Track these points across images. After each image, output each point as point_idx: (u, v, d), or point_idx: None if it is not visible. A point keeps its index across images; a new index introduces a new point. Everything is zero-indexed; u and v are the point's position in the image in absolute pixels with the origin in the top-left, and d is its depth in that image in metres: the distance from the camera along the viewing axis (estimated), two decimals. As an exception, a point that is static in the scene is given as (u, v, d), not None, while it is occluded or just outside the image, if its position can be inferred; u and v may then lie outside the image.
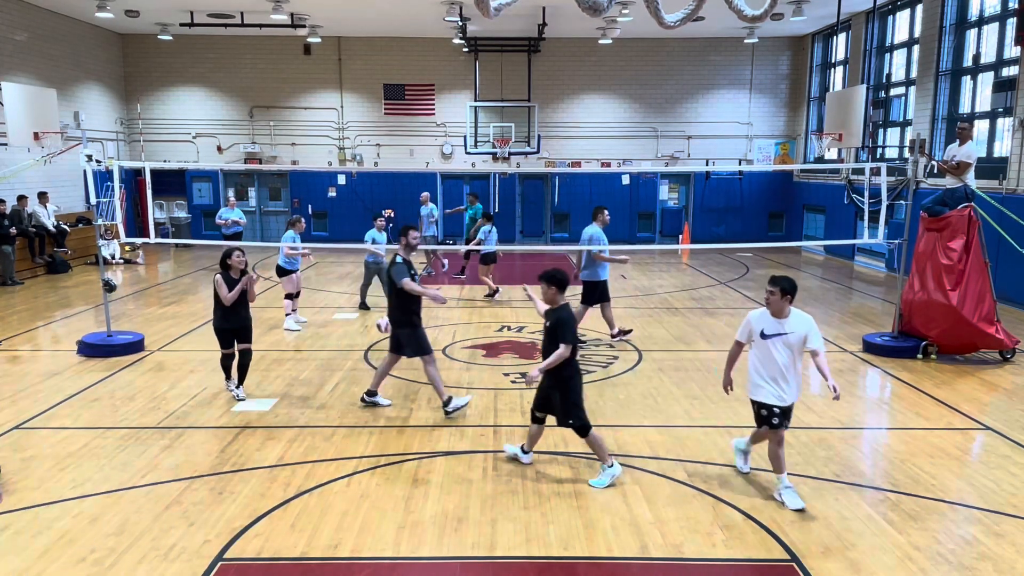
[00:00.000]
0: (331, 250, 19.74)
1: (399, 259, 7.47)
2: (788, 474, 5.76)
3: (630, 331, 10.84)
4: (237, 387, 8.03)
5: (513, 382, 8.74)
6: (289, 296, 11.63)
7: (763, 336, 5.62)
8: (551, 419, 6.18)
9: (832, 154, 19.13)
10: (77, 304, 13.34)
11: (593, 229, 10.21)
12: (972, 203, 9.65)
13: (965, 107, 15.75)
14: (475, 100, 22.42)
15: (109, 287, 10.12)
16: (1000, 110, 14.22)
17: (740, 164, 22.87)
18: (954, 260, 9.59)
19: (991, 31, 15.00)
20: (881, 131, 18.67)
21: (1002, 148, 14.44)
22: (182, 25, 19.74)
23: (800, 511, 5.52)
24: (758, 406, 5.72)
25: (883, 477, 6.28)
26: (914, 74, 17.17)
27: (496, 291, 13.86)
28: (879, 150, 18.59)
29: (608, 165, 22.69)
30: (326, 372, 9.15)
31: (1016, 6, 13.48)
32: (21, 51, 17.49)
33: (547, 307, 6.15)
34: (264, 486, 5.94)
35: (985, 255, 9.65)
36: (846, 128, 11.20)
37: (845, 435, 7.18)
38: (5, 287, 14.86)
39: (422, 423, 7.40)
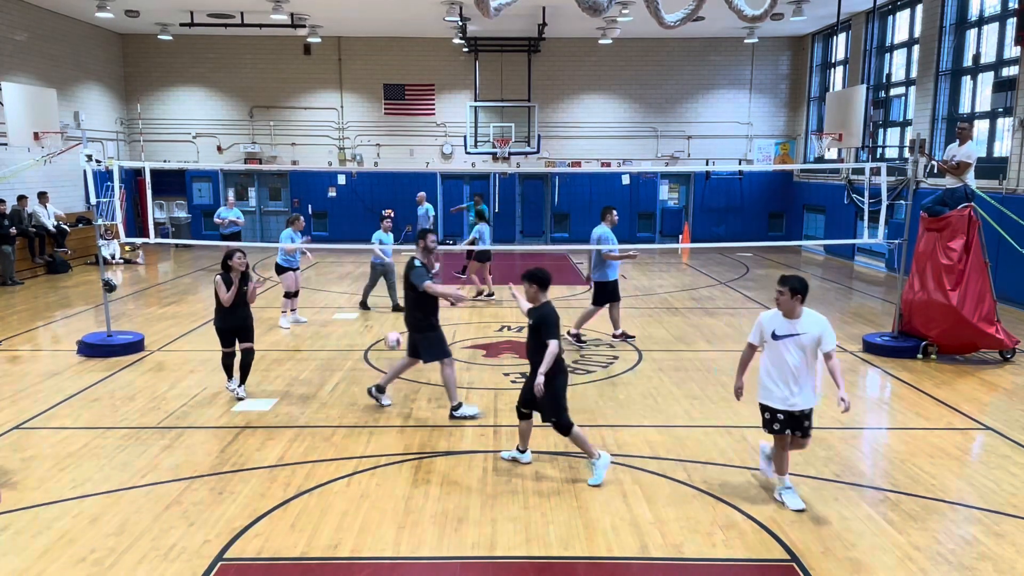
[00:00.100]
0: (331, 250, 19.75)
1: (417, 263, 7.38)
2: (788, 474, 5.75)
3: (633, 336, 10.83)
4: (239, 386, 8.04)
5: (513, 382, 8.73)
6: (288, 295, 11.64)
7: (775, 337, 5.51)
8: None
9: (832, 154, 19.13)
10: (77, 304, 13.35)
11: (602, 229, 10.20)
12: (972, 203, 9.64)
13: (965, 107, 15.75)
14: (475, 100, 22.41)
15: (109, 287, 10.13)
16: (1000, 110, 14.22)
17: (740, 164, 22.87)
18: (954, 260, 9.59)
19: (991, 31, 15.00)
20: (881, 131, 18.67)
21: (1002, 148, 14.44)
22: (182, 25, 19.74)
23: (800, 512, 5.52)
24: (762, 409, 5.68)
25: (883, 477, 6.28)
26: (914, 74, 17.17)
27: (482, 292, 13.85)
28: (879, 150, 18.58)
29: (608, 165, 22.69)
30: (326, 372, 9.15)
31: (1016, 6, 13.48)
32: (21, 51, 17.49)
33: (530, 305, 6.17)
34: (264, 486, 5.94)
35: (985, 255, 9.65)
36: (846, 128, 11.20)
37: (845, 435, 7.18)
38: (5, 287, 14.86)
39: (422, 423, 7.40)
